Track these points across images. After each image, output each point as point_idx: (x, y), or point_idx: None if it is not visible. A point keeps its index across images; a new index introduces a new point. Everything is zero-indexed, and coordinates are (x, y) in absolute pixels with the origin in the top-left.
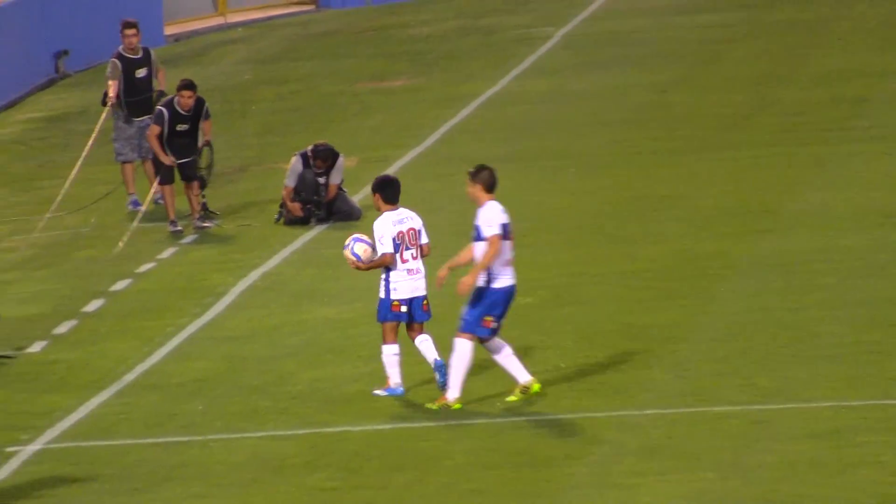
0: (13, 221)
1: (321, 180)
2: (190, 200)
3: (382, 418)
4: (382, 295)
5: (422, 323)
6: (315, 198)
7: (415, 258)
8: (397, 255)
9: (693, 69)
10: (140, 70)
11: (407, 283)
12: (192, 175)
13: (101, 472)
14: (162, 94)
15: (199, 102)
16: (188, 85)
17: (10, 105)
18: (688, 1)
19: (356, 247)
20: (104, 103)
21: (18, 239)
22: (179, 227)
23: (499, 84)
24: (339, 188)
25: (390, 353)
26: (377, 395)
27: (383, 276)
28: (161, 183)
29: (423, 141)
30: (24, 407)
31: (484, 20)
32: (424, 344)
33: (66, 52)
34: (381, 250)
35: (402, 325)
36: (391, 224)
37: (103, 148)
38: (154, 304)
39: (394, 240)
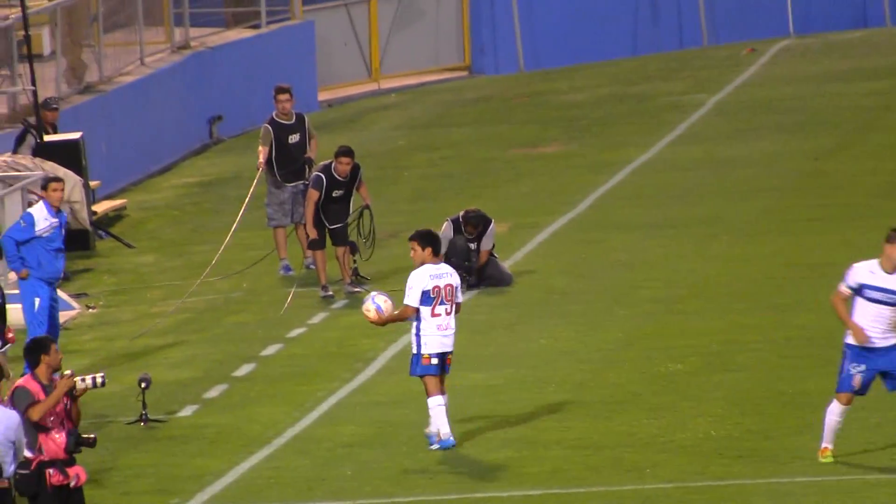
0: (166, 286)
1: (472, 246)
2: (341, 266)
3: (532, 484)
4: (415, 350)
5: (444, 376)
6: (466, 263)
7: (448, 314)
8: (429, 309)
9: (847, 137)
10: (293, 136)
11: (437, 337)
12: (343, 240)
13: None
14: (310, 161)
15: (355, 168)
16: (346, 152)
17: (165, 170)
18: (842, 69)
19: (377, 298)
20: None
21: (171, 303)
22: (330, 293)
23: (651, 151)
24: (491, 254)
25: (435, 405)
26: (432, 449)
27: (414, 330)
28: (312, 248)
29: (574, 207)
30: (174, 471)
31: (637, 87)
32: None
33: (220, 118)
34: (405, 300)
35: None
36: (428, 277)
37: (255, 213)
38: (304, 369)
39: (428, 293)
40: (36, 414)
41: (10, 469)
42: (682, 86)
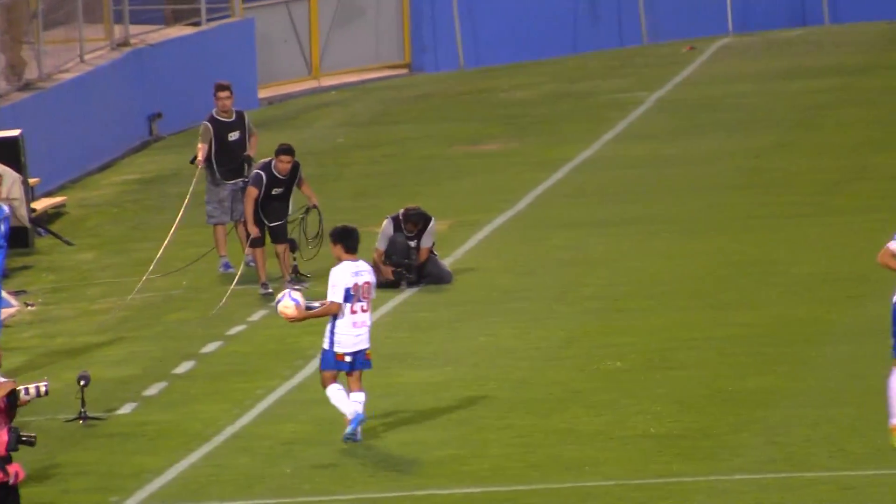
0: (105, 283)
1: (412, 244)
2: (281, 263)
3: (472, 481)
4: (326, 346)
5: (361, 371)
6: (406, 261)
7: (364, 311)
8: (348, 307)
9: (789, 134)
10: (233, 133)
11: (350, 336)
12: (283, 238)
13: None
14: (249, 158)
15: (295, 166)
16: (287, 150)
17: (105, 167)
18: (783, 67)
19: (293, 294)
20: (192, 162)
21: (111, 301)
22: (270, 290)
23: (592, 148)
24: (431, 252)
25: (336, 390)
26: (350, 437)
27: (329, 327)
28: (252, 245)
29: (516, 204)
30: (114, 468)
31: (579, 84)
32: (358, 405)
33: (159, 115)
34: (330, 297)
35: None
36: (350, 274)
37: (196, 210)
38: (244, 367)
39: (348, 290)
40: None
41: None
42: (623, 83)
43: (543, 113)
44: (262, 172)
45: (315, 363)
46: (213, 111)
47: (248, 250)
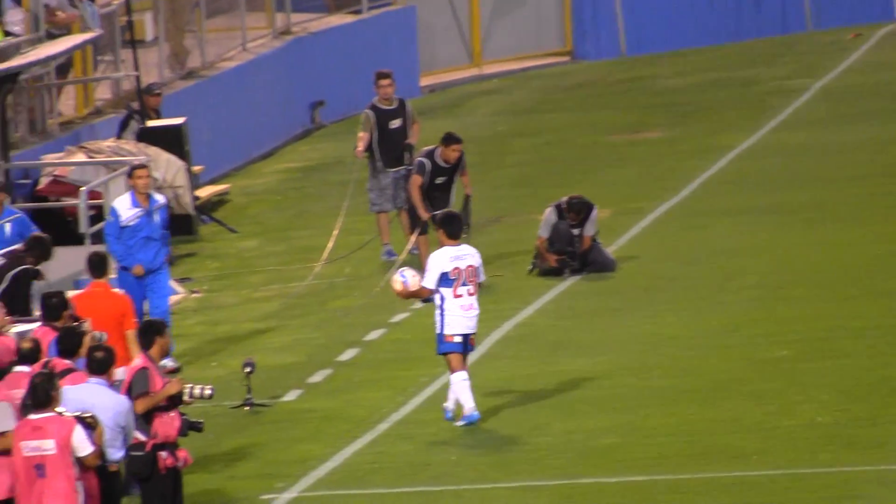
0: (268, 271)
1: (575, 232)
2: None
3: (636, 470)
4: (438, 329)
5: (465, 355)
6: (569, 249)
7: (470, 294)
8: (451, 290)
9: None
10: (394, 121)
11: (460, 318)
12: None
13: None
14: (410, 146)
15: (459, 155)
16: (457, 139)
17: (267, 155)
18: None
19: (405, 272)
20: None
21: (274, 288)
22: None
23: (755, 136)
24: (593, 240)
25: (460, 380)
26: (459, 426)
27: (439, 311)
28: (419, 233)
29: (678, 192)
30: (279, 455)
31: (741, 72)
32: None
33: (321, 103)
34: (423, 282)
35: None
36: (447, 259)
37: (358, 199)
38: (408, 354)
39: (448, 275)
40: (140, 407)
41: (118, 454)
42: (787, 70)
43: (705, 100)
44: (426, 161)
45: (480, 351)
46: (375, 99)
47: (413, 238)
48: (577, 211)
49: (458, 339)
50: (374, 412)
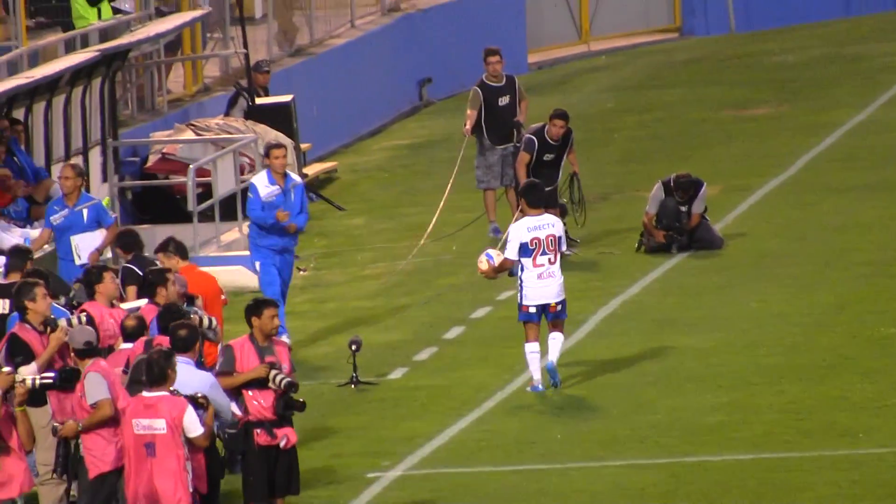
0: (376, 249)
1: (683, 208)
2: None
3: (743, 448)
4: (519, 300)
5: (558, 321)
6: (677, 225)
7: (551, 263)
8: (530, 260)
9: None
10: (503, 98)
11: (536, 288)
12: (553, 203)
13: (461, 499)
14: (518, 124)
15: (567, 133)
16: (562, 115)
17: (375, 132)
18: None
19: (490, 251)
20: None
21: (382, 266)
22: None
23: (864, 112)
24: (702, 217)
25: (530, 351)
26: (536, 391)
27: (518, 281)
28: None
29: (786, 169)
30: (385, 433)
31: (850, 48)
32: (552, 342)
33: (429, 80)
34: (506, 253)
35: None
36: (525, 230)
37: (465, 176)
38: (513, 332)
39: (527, 245)
40: (222, 384)
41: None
42: None
43: (814, 77)
44: (534, 138)
45: (585, 329)
46: (483, 76)
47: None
48: (685, 189)
49: (533, 310)
50: (480, 390)
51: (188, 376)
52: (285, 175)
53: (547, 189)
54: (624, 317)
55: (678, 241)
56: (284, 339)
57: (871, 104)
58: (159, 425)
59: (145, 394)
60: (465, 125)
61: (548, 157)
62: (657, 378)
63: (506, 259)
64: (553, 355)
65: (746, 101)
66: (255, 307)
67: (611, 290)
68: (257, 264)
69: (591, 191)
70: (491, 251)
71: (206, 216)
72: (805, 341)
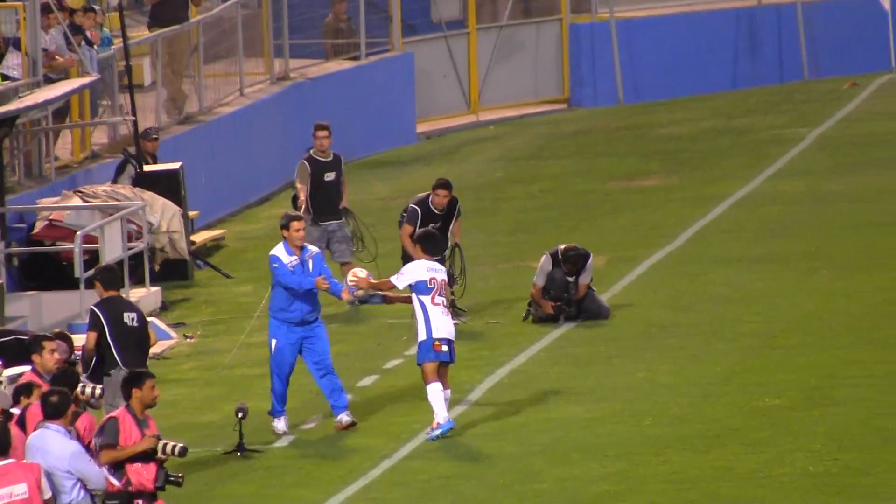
0: (263, 316)
1: (570, 279)
2: None
3: None
4: (423, 336)
5: (447, 366)
6: (565, 296)
7: (445, 306)
8: (429, 298)
9: None
10: (329, 173)
11: (445, 322)
12: None
13: None
14: (347, 211)
15: (453, 202)
16: (444, 185)
17: (264, 200)
18: None
19: (358, 270)
20: (295, 207)
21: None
22: None
23: (751, 184)
24: (589, 287)
25: (436, 391)
26: (433, 439)
27: (422, 318)
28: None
29: (674, 240)
30: (271, 501)
31: (738, 120)
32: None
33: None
34: (394, 279)
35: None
36: (425, 269)
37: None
38: (401, 401)
39: (425, 283)
40: (106, 458)
41: (67, 499)
42: (784, 119)
43: (702, 148)
44: (417, 208)
45: (472, 398)
46: (311, 150)
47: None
48: (572, 263)
49: (444, 349)
50: (366, 459)
51: (55, 445)
52: (302, 247)
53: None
54: (511, 386)
55: (566, 311)
56: (346, 417)
57: (757, 176)
58: (20, 490)
59: None
60: (298, 198)
61: (433, 226)
62: (544, 448)
63: (389, 280)
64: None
65: (635, 173)
66: (136, 378)
67: (498, 360)
68: (273, 343)
69: (479, 260)
70: (357, 270)
71: (92, 283)
72: (691, 412)
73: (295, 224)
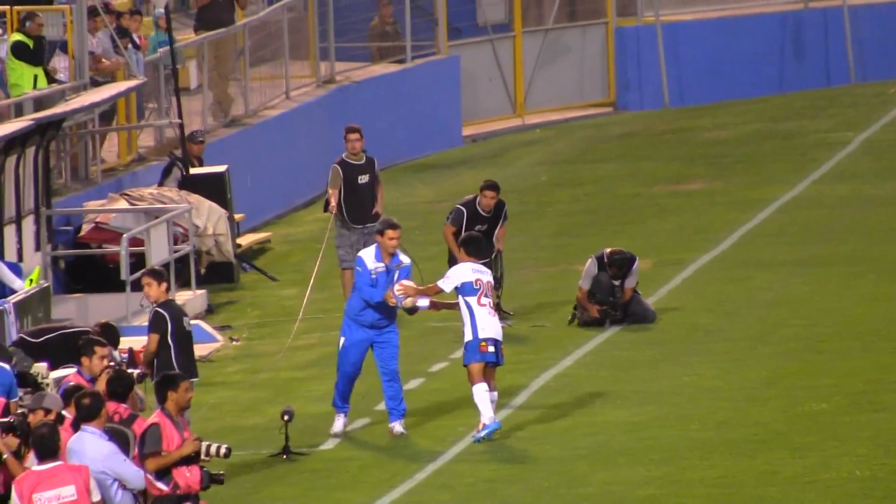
0: (309, 319)
1: (616, 283)
2: None
3: None
4: (470, 336)
5: (495, 367)
6: (611, 299)
7: (491, 306)
8: (475, 298)
9: None
10: (362, 176)
11: (491, 322)
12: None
13: None
14: (378, 216)
15: (500, 205)
16: (492, 186)
17: (309, 203)
18: None
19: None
20: (326, 211)
21: (314, 337)
22: None
23: (797, 188)
24: (634, 291)
25: (482, 391)
26: (479, 440)
27: (468, 319)
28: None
29: (718, 244)
30: None
31: (783, 124)
32: (493, 404)
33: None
34: (440, 282)
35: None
36: (470, 270)
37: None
38: (446, 404)
39: (471, 284)
40: (152, 465)
41: (117, 497)
42: (829, 123)
43: (747, 152)
44: (463, 209)
45: (518, 401)
46: (343, 154)
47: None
48: (618, 266)
49: (491, 349)
50: (411, 461)
51: (89, 446)
52: (393, 255)
53: (482, 262)
54: (556, 390)
55: (612, 315)
56: (398, 426)
57: (802, 180)
58: (68, 493)
59: (38, 467)
60: (329, 203)
61: (479, 227)
62: (589, 451)
63: (436, 285)
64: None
65: (680, 176)
66: (171, 380)
67: (543, 363)
68: (342, 340)
69: (524, 264)
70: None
71: (139, 286)
72: (736, 416)
73: (390, 232)
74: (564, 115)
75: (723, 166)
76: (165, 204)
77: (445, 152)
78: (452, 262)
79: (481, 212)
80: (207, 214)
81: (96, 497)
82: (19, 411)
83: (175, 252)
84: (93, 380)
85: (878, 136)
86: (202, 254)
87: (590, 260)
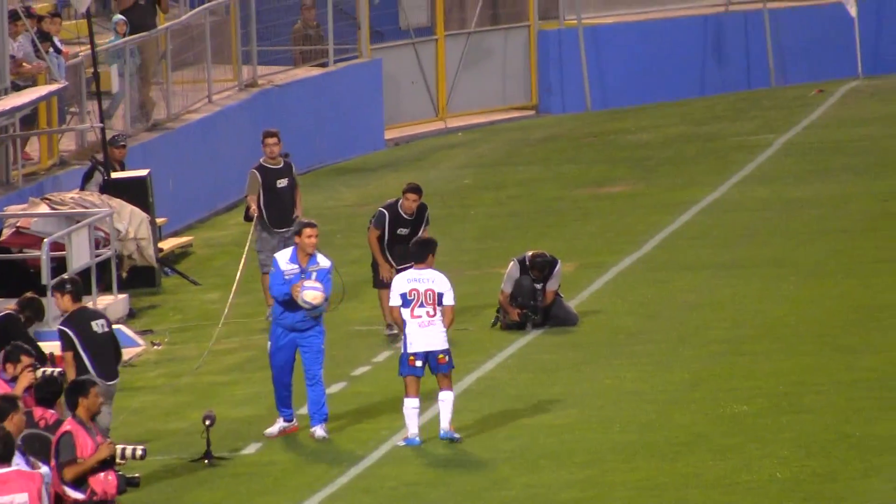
0: (231, 323)
1: (538, 286)
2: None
3: None
4: (403, 350)
5: (446, 374)
6: (532, 303)
7: (430, 315)
8: (409, 311)
9: None
10: (281, 180)
11: (422, 334)
12: None
13: None
14: (297, 219)
15: (422, 207)
16: (414, 189)
17: (231, 207)
18: None
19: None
20: (247, 218)
21: (236, 341)
22: (395, 331)
23: (719, 190)
24: (556, 294)
25: (410, 407)
26: (399, 445)
27: (403, 329)
28: (377, 286)
29: (641, 247)
30: None
31: (705, 127)
32: (443, 405)
33: (286, 155)
34: (389, 301)
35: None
36: (405, 281)
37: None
38: (369, 408)
39: (405, 295)
40: (70, 474)
41: None
42: (751, 126)
43: (670, 155)
44: (385, 211)
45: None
46: (261, 159)
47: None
48: (540, 269)
49: (419, 364)
50: (333, 466)
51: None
52: (311, 256)
53: (405, 266)
54: (479, 393)
55: (533, 318)
56: (320, 430)
57: (724, 182)
58: (21, 499)
59: None
60: (250, 209)
61: (402, 231)
62: (511, 454)
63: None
64: (445, 420)
65: (603, 179)
66: (82, 386)
67: (466, 367)
68: (269, 344)
69: (447, 267)
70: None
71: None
72: (658, 418)
73: (307, 230)
74: (487, 119)
75: (645, 169)
76: (87, 208)
77: (368, 155)
78: (375, 265)
79: (403, 214)
80: (129, 219)
81: None
82: None
83: (97, 256)
84: (13, 380)
85: (798, 139)
86: (124, 258)
87: (511, 263)
